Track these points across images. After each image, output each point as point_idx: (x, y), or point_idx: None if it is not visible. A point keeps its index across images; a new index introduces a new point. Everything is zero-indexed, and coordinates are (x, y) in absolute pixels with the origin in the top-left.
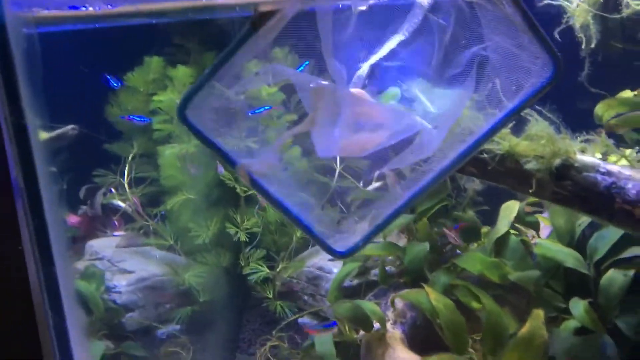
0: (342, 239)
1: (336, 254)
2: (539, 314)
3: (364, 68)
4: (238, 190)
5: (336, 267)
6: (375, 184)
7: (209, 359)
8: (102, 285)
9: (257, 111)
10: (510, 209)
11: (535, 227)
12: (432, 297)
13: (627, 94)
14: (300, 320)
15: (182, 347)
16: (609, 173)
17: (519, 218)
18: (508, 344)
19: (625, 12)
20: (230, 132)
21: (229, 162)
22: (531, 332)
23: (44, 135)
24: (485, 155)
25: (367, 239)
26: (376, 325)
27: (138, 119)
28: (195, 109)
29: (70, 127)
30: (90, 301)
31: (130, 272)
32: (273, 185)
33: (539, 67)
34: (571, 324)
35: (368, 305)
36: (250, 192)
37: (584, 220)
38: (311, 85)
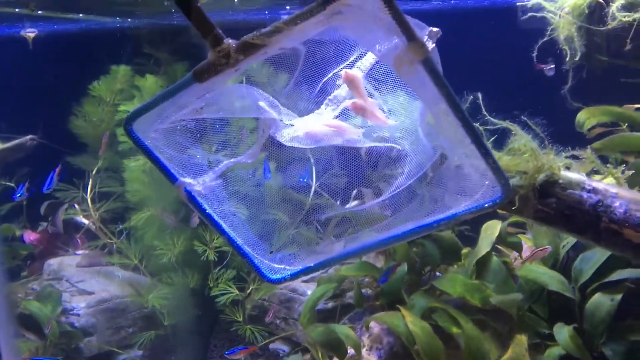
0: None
1: (266, 279)
2: (521, 340)
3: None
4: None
5: (310, 289)
6: (353, 202)
7: None
8: (59, 306)
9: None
10: (492, 229)
11: (518, 248)
12: (408, 320)
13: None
14: (271, 345)
15: None
16: (594, 190)
17: (501, 238)
18: None
19: (611, 25)
20: (199, 145)
21: (169, 178)
22: None
23: None
24: None
25: (300, 273)
26: (350, 351)
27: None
28: (151, 122)
29: (28, 137)
30: (43, 323)
31: (90, 293)
32: (233, 203)
33: (487, 186)
34: (555, 351)
35: (342, 329)
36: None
37: (568, 241)
38: (260, 117)
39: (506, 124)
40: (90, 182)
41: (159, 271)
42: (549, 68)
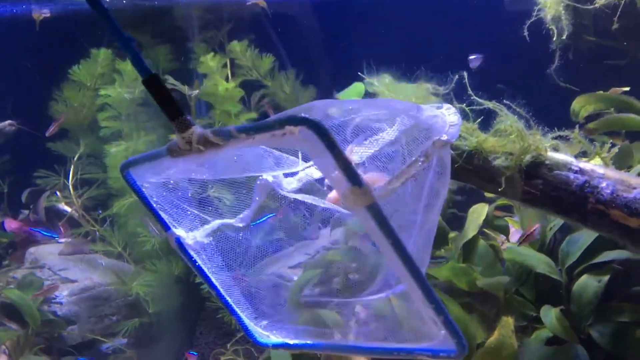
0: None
1: (253, 341)
2: (508, 321)
3: None
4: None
5: (297, 275)
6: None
7: None
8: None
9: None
10: (479, 212)
11: (505, 231)
12: (394, 303)
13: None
14: None
15: None
16: (581, 171)
17: (488, 222)
18: (475, 354)
19: (599, 3)
20: (190, 202)
21: (162, 227)
22: (500, 342)
23: None
24: (452, 152)
25: (280, 347)
26: (337, 336)
27: None
28: (142, 174)
29: (7, 122)
30: (24, 312)
31: (72, 281)
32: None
33: (444, 336)
34: (542, 333)
35: (329, 315)
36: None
37: (555, 223)
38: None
39: (492, 104)
40: (72, 169)
41: (142, 259)
42: (476, 59)
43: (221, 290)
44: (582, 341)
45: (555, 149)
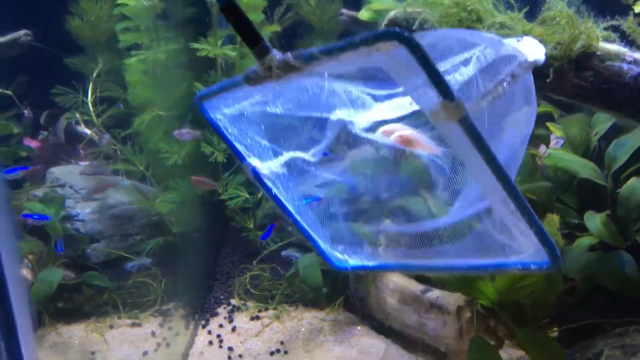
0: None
1: (331, 264)
2: (553, 219)
3: None
4: None
5: (324, 194)
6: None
7: (182, 290)
8: (62, 210)
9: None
10: None
11: (545, 140)
12: (430, 203)
13: None
14: (283, 252)
15: (153, 279)
16: (636, 62)
17: None
18: None
19: None
20: (264, 134)
21: (238, 157)
22: None
23: None
24: None
25: (359, 269)
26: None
27: None
28: (216, 106)
29: (22, 32)
30: (48, 226)
31: (95, 199)
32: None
33: (535, 248)
34: (585, 240)
35: (358, 227)
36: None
37: (599, 129)
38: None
39: None
40: (90, 86)
41: (165, 177)
42: None
43: (297, 217)
44: (627, 248)
45: (607, 40)
